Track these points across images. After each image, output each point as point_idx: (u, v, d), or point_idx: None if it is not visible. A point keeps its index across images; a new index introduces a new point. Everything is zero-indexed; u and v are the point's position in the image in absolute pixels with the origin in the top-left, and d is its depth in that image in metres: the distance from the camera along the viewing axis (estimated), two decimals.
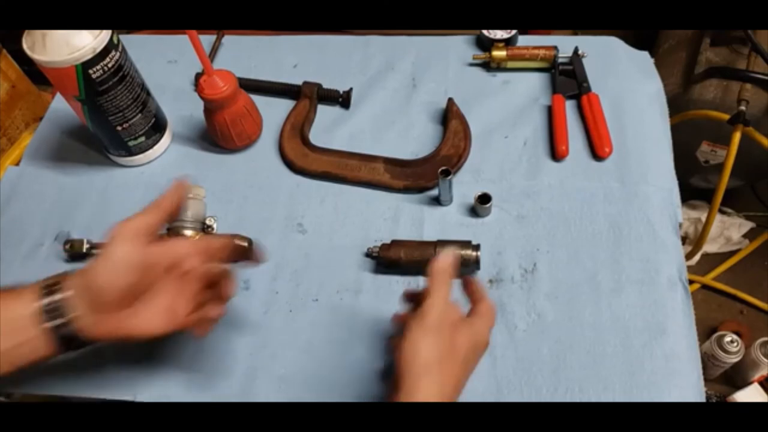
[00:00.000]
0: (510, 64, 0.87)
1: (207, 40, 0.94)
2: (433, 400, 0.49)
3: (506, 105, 0.85)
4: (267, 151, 0.84)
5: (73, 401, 0.67)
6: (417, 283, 0.70)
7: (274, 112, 0.86)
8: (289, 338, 0.68)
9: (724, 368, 1.31)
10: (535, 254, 0.71)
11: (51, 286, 0.52)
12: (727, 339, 1.26)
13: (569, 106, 0.83)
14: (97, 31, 0.69)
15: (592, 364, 0.64)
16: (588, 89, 0.83)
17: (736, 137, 1.11)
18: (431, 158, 0.79)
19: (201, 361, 0.67)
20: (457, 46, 0.92)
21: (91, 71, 0.69)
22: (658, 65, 0.87)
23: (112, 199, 0.81)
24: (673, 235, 0.71)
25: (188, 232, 0.70)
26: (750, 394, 1.24)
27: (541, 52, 0.86)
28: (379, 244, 0.71)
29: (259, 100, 0.85)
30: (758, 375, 1.27)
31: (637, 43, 0.90)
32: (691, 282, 1.44)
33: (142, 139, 0.81)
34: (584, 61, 0.86)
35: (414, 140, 0.83)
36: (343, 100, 0.87)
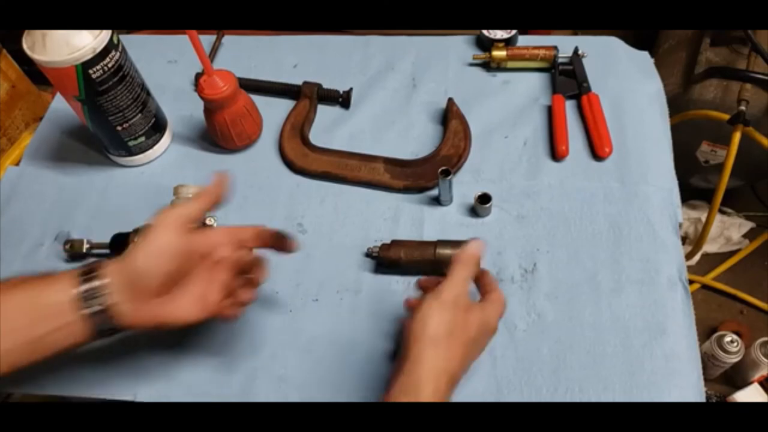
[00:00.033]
0: (510, 64, 0.87)
1: (207, 40, 0.94)
2: (437, 372, 0.50)
3: (506, 105, 0.85)
4: (267, 151, 0.84)
5: (73, 401, 0.67)
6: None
7: (274, 112, 0.86)
8: (289, 338, 0.68)
9: (724, 368, 1.30)
10: (535, 254, 0.71)
11: (88, 272, 0.53)
12: (727, 339, 1.26)
13: (569, 106, 0.83)
14: (97, 31, 0.69)
15: (592, 364, 0.64)
16: (588, 89, 0.83)
17: (736, 137, 1.11)
18: (431, 158, 0.79)
19: (201, 361, 0.67)
20: (457, 46, 0.92)
21: (91, 71, 0.69)
22: (658, 65, 0.87)
23: (112, 199, 0.81)
24: (673, 235, 0.71)
25: None
26: (750, 394, 1.24)
27: (541, 52, 0.86)
28: (379, 244, 0.71)
29: (259, 100, 0.85)
30: (758, 375, 1.27)
31: (637, 43, 0.90)
32: (691, 282, 1.44)
33: (142, 139, 0.81)
34: (584, 61, 0.86)
35: (414, 140, 0.83)
36: (343, 100, 0.87)
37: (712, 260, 1.51)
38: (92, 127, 0.78)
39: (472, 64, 0.89)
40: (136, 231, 0.71)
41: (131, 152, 0.82)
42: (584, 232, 0.72)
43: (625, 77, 0.85)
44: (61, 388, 0.66)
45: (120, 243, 0.71)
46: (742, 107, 1.10)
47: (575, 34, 1.17)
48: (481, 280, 0.60)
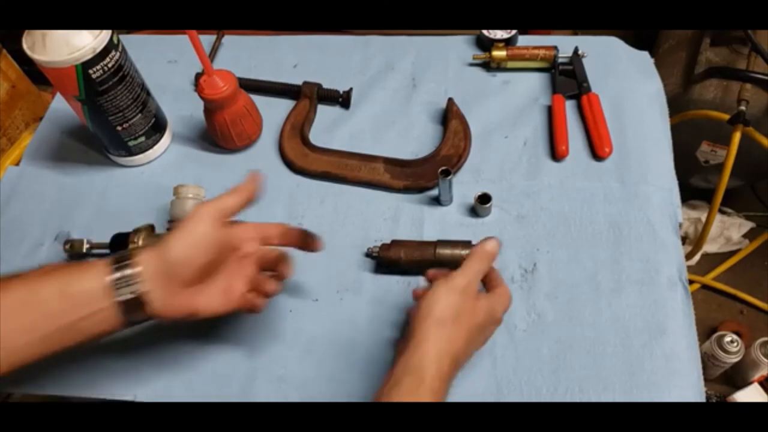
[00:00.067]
0: (510, 64, 0.87)
1: (207, 40, 0.94)
2: (440, 353, 0.51)
3: (506, 105, 0.85)
4: (267, 151, 0.84)
5: (73, 401, 0.67)
6: (417, 282, 0.70)
7: (274, 112, 0.86)
8: (289, 338, 0.68)
9: (724, 368, 1.30)
10: (535, 254, 0.71)
11: (122, 260, 0.53)
12: (727, 339, 1.26)
13: (569, 106, 0.83)
14: (97, 31, 0.69)
15: (592, 364, 0.64)
16: (588, 89, 0.83)
17: (736, 137, 1.11)
18: (431, 158, 0.79)
19: (201, 361, 0.67)
20: (457, 46, 0.92)
21: (91, 71, 0.69)
22: (658, 65, 0.87)
23: (112, 199, 0.81)
24: (673, 235, 0.71)
25: None
26: (750, 394, 1.24)
27: (541, 52, 0.86)
28: (379, 244, 0.71)
29: (259, 100, 0.85)
30: (758, 375, 1.27)
31: (637, 43, 0.90)
32: (691, 282, 1.44)
33: (142, 139, 0.81)
34: (584, 61, 0.86)
35: (414, 140, 0.83)
36: (343, 100, 0.87)
37: (712, 260, 1.51)
38: (92, 127, 0.78)
39: (472, 64, 0.89)
40: (136, 231, 0.71)
41: (131, 152, 0.82)
42: (584, 232, 0.72)
43: (625, 77, 0.85)
44: (61, 388, 0.66)
45: (120, 243, 0.71)
46: (742, 107, 1.10)
47: (575, 34, 1.17)
48: (488, 275, 0.60)
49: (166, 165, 0.84)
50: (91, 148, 0.86)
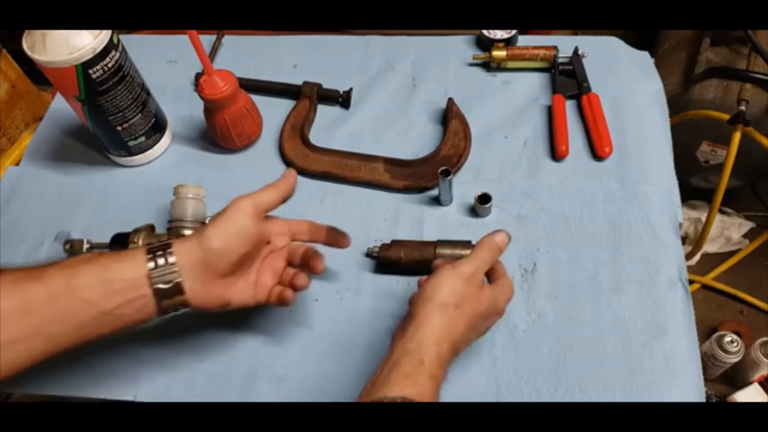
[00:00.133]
0: (510, 64, 0.87)
1: (207, 40, 0.94)
2: (440, 337, 0.51)
3: (506, 105, 0.85)
4: (267, 151, 0.84)
5: (73, 401, 0.67)
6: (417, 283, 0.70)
7: (274, 112, 0.86)
8: (289, 338, 0.68)
9: (724, 368, 1.30)
10: (535, 254, 0.71)
11: (161, 249, 0.54)
12: (727, 339, 1.26)
13: (569, 106, 0.83)
14: (97, 31, 0.69)
15: (592, 364, 0.64)
16: (588, 89, 0.83)
17: (736, 137, 1.11)
18: (431, 158, 0.79)
19: (201, 361, 0.67)
20: (457, 46, 0.92)
21: (91, 71, 0.69)
22: (658, 65, 0.87)
23: (112, 199, 0.81)
24: (673, 235, 0.71)
25: (188, 232, 0.70)
26: (750, 394, 1.24)
27: (541, 52, 0.86)
28: (379, 244, 0.71)
29: (259, 100, 0.85)
30: (758, 375, 1.27)
31: (637, 43, 0.90)
32: (691, 282, 1.44)
33: (142, 139, 0.81)
34: (584, 61, 0.86)
35: (414, 140, 0.83)
36: (343, 100, 0.87)
37: (712, 260, 1.51)
38: (92, 127, 0.78)
39: (472, 64, 0.89)
40: (136, 231, 0.71)
41: (131, 152, 0.82)
42: (584, 232, 0.72)
43: (625, 77, 0.85)
44: (61, 388, 0.66)
45: (120, 243, 0.71)
46: (742, 107, 1.10)
47: (575, 34, 1.17)
48: (492, 267, 0.60)
49: (166, 165, 0.84)
50: (91, 148, 0.86)
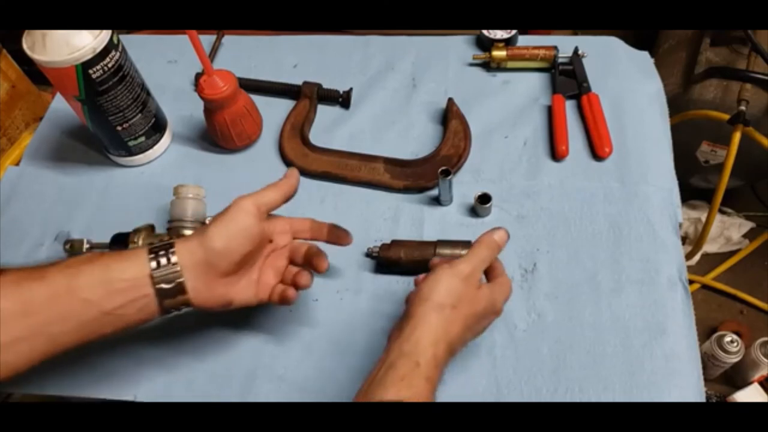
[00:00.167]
0: (510, 64, 0.87)
1: (207, 40, 0.94)
2: (436, 338, 0.51)
3: (506, 105, 0.85)
4: (267, 151, 0.84)
5: (73, 401, 0.67)
6: None
7: (274, 112, 0.86)
8: (289, 338, 0.68)
9: (724, 368, 1.30)
10: (535, 254, 0.71)
11: (163, 249, 0.54)
12: (727, 339, 1.26)
13: (569, 106, 0.83)
14: (97, 31, 0.69)
15: (592, 364, 0.64)
16: (588, 89, 0.83)
17: (736, 137, 1.11)
18: (431, 158, 0.79)
19: (201, 361, 0.67)
20: (457, 46, 0.92)
21: (91, 71, 0.69)
22: (658, 65, 0.87)
23: (112, 199, 0.81)
24: (673, 235, 0.71)
25: (188, 232, 0.70)
26: (750, 394, 1.24)
27: (541, 52, 0.86)
28: (379, 244, 0.71)
29: (259, 100, 0.85)
30: (758, 375, 1.27)
31: (637, 43, 0.90)
32: (691, 282, 1.44)
33: (142, 139, 0.81)
34: (584, 61, 0.86)
35: (414, 140, 0.83)
36: (343, 100, 0.87)
37: (712, 260, 1.51)
38: (92, 127, 0.78)
39: (472, 64, 0.89)
40: (136, 231, 0.71)
41: (131, 152, 0.82)
42: (584, 232, 0.72)
43: (625, 77, 0.85)
44: (61, 388, 0.66)
45: (120, 243, 0.71)
46: (742, 107, 1.10)
47: (575, 34, 1.17)
48: (490, 265, 0.60)
49: (166, 165, 0.84)
50: (91, 148, 0.86)
